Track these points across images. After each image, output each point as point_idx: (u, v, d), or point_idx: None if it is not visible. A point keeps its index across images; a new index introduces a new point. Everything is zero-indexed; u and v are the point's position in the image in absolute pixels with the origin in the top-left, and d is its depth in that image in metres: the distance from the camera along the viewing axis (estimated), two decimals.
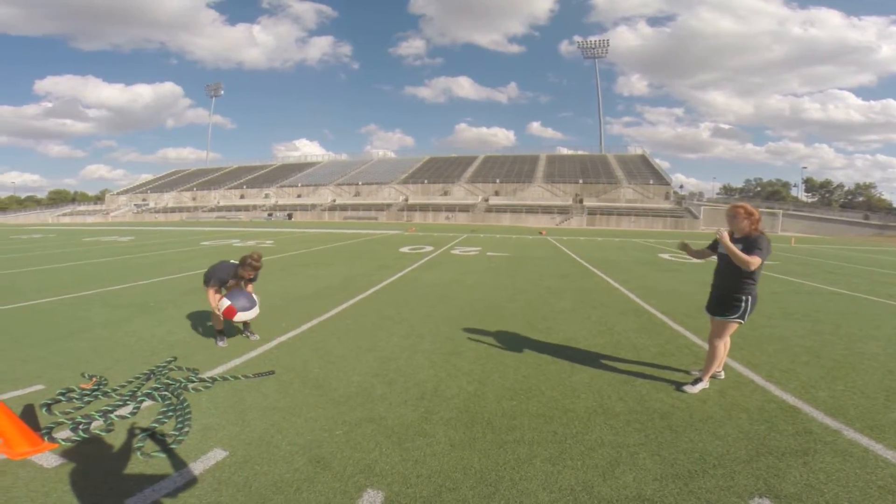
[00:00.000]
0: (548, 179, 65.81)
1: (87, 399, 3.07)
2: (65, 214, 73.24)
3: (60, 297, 6.54)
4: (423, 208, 59.86)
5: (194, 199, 77.99)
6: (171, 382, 3.31)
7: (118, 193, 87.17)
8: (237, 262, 4.35)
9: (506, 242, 19.70)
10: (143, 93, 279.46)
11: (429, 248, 15.62)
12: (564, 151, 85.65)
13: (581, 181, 63.44)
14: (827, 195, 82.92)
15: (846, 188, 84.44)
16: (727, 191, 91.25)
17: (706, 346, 4.50)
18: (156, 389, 3.19)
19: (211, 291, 4.28)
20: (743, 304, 3.26)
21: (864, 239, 38.98)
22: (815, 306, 6.76)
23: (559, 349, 4.37)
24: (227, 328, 4.57)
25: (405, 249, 15.14)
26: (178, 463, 2.33)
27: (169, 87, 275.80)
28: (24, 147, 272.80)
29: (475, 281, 8.51)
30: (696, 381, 3.43)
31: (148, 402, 3.04)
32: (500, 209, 57.08)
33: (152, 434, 2.61)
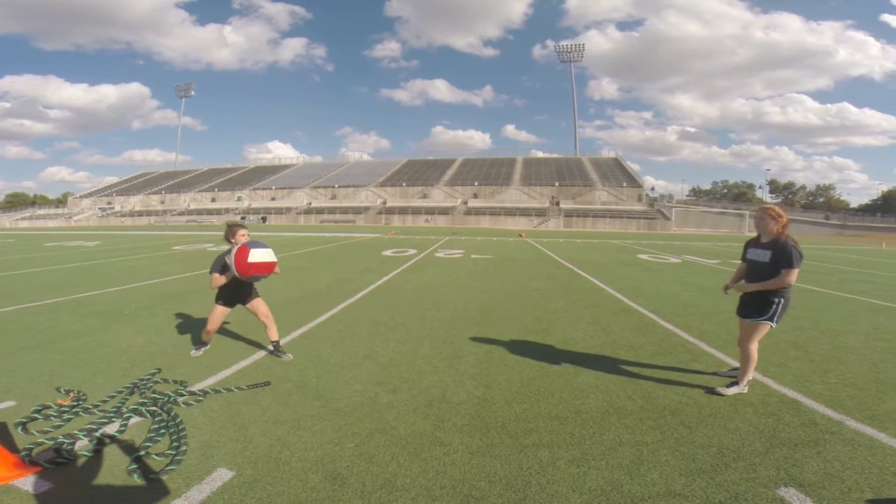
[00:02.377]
0: (525, 182, 66.47)
1: (66, 416, 2.83)
2: (24, 218, 69.61)
3: (24, 306, 6.12)
4: (402, 211, 59.52)
5: (163, 202, 75.41)
6: (158, 397, 3.09)
7: (81, 196, 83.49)
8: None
9: (488, 245, 19.72)
10: (107, 93, 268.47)
11: (412, 251, 15.47)
12: (540, 154, 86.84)
13: (557, 184, 64.33)
14: (790, 196, 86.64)
15: (807, 189, 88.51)
16: (696, 193, 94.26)
17: (699, 343, 4.58)
18: (142, 405, 2.96)
19: (215, 275, 3.88)
20: (775, 306, 3.17)
21: (826, 238, 40.85)
22: (793, 303, 6.94)
23: (559, 350, 4.33)
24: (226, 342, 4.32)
25: (388, 253, 14.95)
26: (181, 486, 2.14)
27: (135, 88, 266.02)
28: None
29: (464, 284, 8.43)
30: (732, 384, 3.33)
31: (135, 419, 2.82)
32: (480, 212, 57.30)
33: (146, 454, 2.40)
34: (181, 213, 67.36)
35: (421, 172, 75.63)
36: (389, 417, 2.85)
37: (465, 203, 61.28)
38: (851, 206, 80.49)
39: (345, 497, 2.06)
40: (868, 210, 71.86)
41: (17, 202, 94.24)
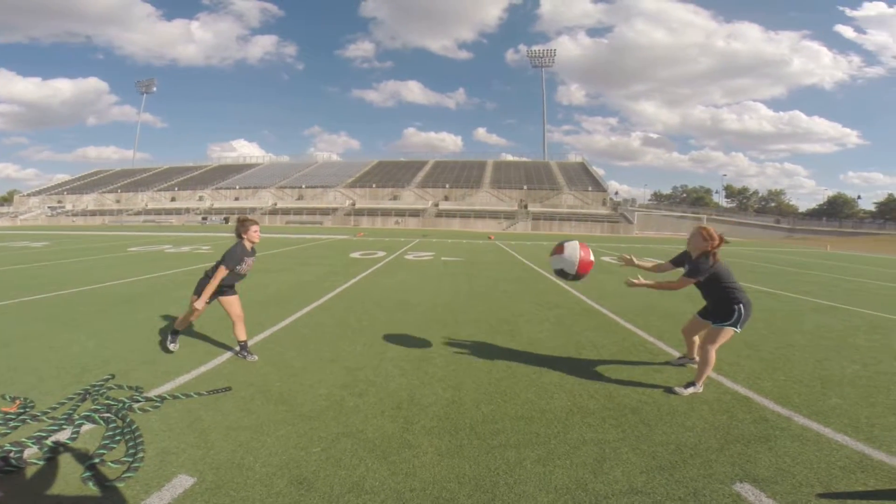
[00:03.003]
0: (495, 185, 67.25)
1: (12, 424, 2.67)
2: None
3: None
4: (372, 213, 59.04)
5: (118, 201, 71.95)
6: (112, 403, 2.95)
7: (29, 194, 78.65)
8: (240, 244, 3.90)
9: (458, 247, 19.83)
10: (62, 88, 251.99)
11: (381, 254, 15.36)
12: (510, 158, 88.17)
13: (526, 187, 65.43)
14: (744, 201, 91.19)
15: (760, 194, 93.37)
16: (657, 197, 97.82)
17: (659, 343, 4.77)
18: (95, 411, 2.83)
19: (221, 269, 3.76)
20: (737, 313, 3.33)
21: (777, 241, 43.36)
22: None
23: (525, 351, 4.42)
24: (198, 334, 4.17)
25: (356, 255, 14.79)
26: (139, 493, 2.07)
27: (93, 83, 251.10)
28: None
29: (434, 286, 8.45)
30: (689, 384, 3.45)
31: (88, 426, 2.69)
32: (451, 214, 57.55)
33: (101, 461, 2.30)
34: (138, 213, 64.43)
35: (392, 174, 75.26)
36: (356, 421, 2.83)
37: (436, 205, 61.42)
38: (800, 210, 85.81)
39: (311, 501, 2.04)
40: (815, 214, 76.93)
41: None
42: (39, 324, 5.10)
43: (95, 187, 77.90)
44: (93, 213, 65.46)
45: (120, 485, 2.12)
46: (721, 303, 3.42)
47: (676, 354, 4.32)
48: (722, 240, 3.40)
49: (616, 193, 67.85)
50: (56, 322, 5.19)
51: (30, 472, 2.23)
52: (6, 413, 2.79)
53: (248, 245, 3.94)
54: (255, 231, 3.95)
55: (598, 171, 75.03)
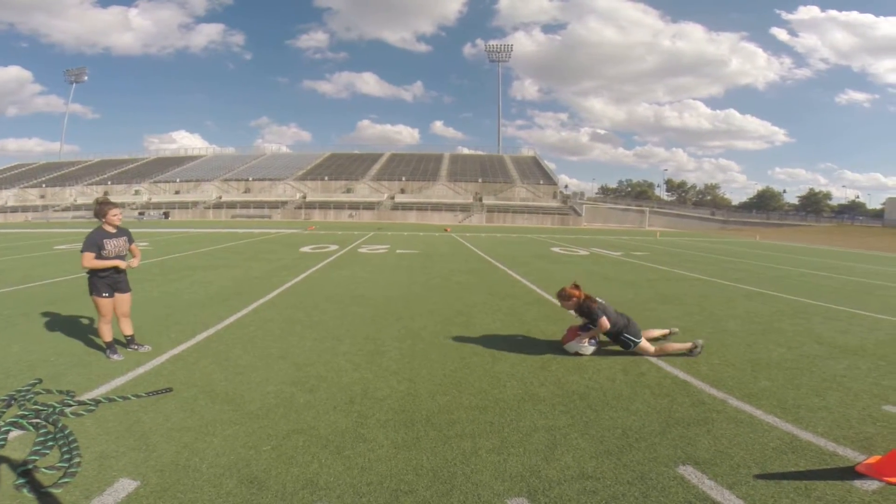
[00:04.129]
0: (451, 178, 67.31)
1: None
2: None
3: None
4: (324, 206, 57.47)
5: (43, 196, 65.70)
6: (41, 408, 2.73)
7: None
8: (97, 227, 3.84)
9: (413, 240, 19.76)
10: None
11: (333, 247, 15.03)
12: (466, 151, 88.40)
13: (481, 180, 65.99)
14: (683, 194, 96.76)
15: (697, 188, 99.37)
16: (604, 191, 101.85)
17: None
18: (23, 417, 2.61)
19: (88, 256, 3.71)
20: (630, 343, 4.14)
21: (712, 232, 46.37)
22: (682, 290, 7.83)
23: (478, 341, 4.49)
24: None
25: (307, 249, 14.38)
26: (79, 498, 1.95)
27: (14, 72, 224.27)
28: None
29: (387, 279, 8.38)
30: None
31: (16, 432, 2.48)
32: (407, 207, 57.07)
33: (34, 468, 2.14)
34: (66, 209, 59.18)
35: (345, 166, 73.53)
36: (308, 417, 2.77)
37: (392, 198, 60.71)
38: (733, 203, 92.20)
39: (264, 500, 1.98)
40: (746, 207, 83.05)
41: None
42: None
43: (17, 181, 70.70)
44: (14, 210, 59.39)
45: (57, 491, 1.99)
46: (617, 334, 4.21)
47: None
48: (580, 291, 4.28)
49: (566, 187, 70.07)
50: None
51: None
52: None
53: (109, 228, 3.85)
54: (115, 215, 3.86)
55: (550, 165, 77.04)
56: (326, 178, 67.31)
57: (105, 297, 3.78)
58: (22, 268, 9.51)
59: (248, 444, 2.44)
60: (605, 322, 3.99)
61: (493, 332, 4.84)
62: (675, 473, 2.25)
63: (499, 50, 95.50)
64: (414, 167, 72.81)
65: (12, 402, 2.87)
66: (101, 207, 3.83)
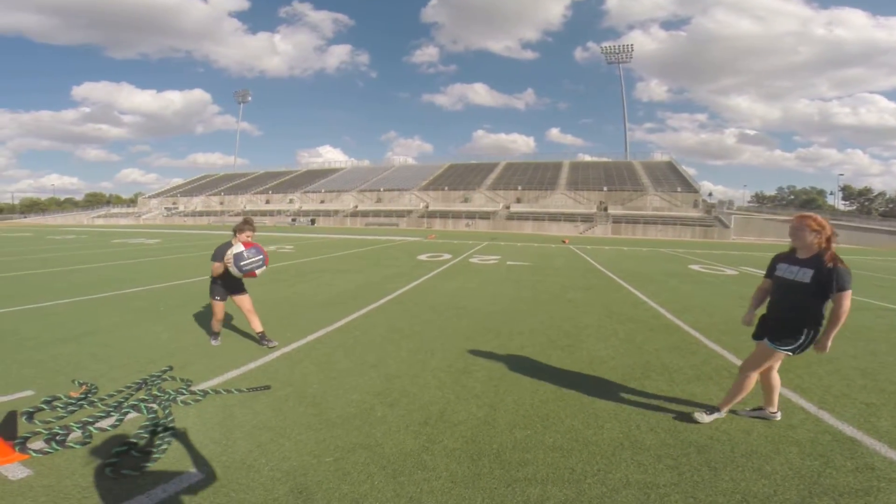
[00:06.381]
0: (571, 187, 64.77)
1: (71, 408, 2.90)
2: (99, 216, 76.20)
3: (76, 299, 6.52)
4: (444, 215, 59.69)
5: (222, 203, 79.91)
6: (159, 394, 3.12)
7: (150, 197, 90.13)
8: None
9: (527, 251, 19.25)
10: (173, 99, 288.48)
11: (447, 256, 15.34)
12: (587, 158, 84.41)
13: (605, 188, 62.19)
14: (866, 203, 78.93)
15: (886, 196, 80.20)
16: (759, 199, 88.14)
17: None
18: (143, 401, 2.99)
19: (216, 265, 4.23)
20: (802, 338, 2.73)
21: None
22: (866, 323, 6.16)
23: (582, 370, 3.99)
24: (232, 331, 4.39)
25: (423, 257, 14.90)
26: (148, 483, 2.14)
27: (198, 94, 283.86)
28: (63, 151, 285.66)
29: (493, 292, 8.17)
30: (713, 409, 3.01)
31: (133, 414, 2.85)
32: (522, 217, 56.40)
33: (129, 449, 2.41)
34: (237, 214, 71.05)
35: (463, 176, 75.60)
36: (378, 433, 2.69)
37: (508, 207, 60.51)
38: None
39: None
40: None
41: (94, 201, 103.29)
42: (130, 314, 5.66)
43: (203, 190, 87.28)
44: (201, 214, 73.43)
45: (135, 473, 2.20)
46: (791, 318, 2.76)
47: None
48: (833, 230, 2.71)
49: (710, 194, 61.93)
50: (143, 313, 5.73)
51: (67, 455, 2.38)
52: (70, 398, 3.04)
53: (237, 244, 4.21)
54: (248, 235, 4.31)
55: (688, 171, 69.26)
56: (446, 188, 69.85)
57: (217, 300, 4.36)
58: (195, 264, 11.47)
59: (315, 451, 2.45)
60: (846, 305, 2.56)
61: (603, 360, 4.27)
62: None
63: (617, 51, 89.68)
64: (530, 176, 71.62)
65: (143, 385, 3.33)
66: (241, 227, 4.33)
